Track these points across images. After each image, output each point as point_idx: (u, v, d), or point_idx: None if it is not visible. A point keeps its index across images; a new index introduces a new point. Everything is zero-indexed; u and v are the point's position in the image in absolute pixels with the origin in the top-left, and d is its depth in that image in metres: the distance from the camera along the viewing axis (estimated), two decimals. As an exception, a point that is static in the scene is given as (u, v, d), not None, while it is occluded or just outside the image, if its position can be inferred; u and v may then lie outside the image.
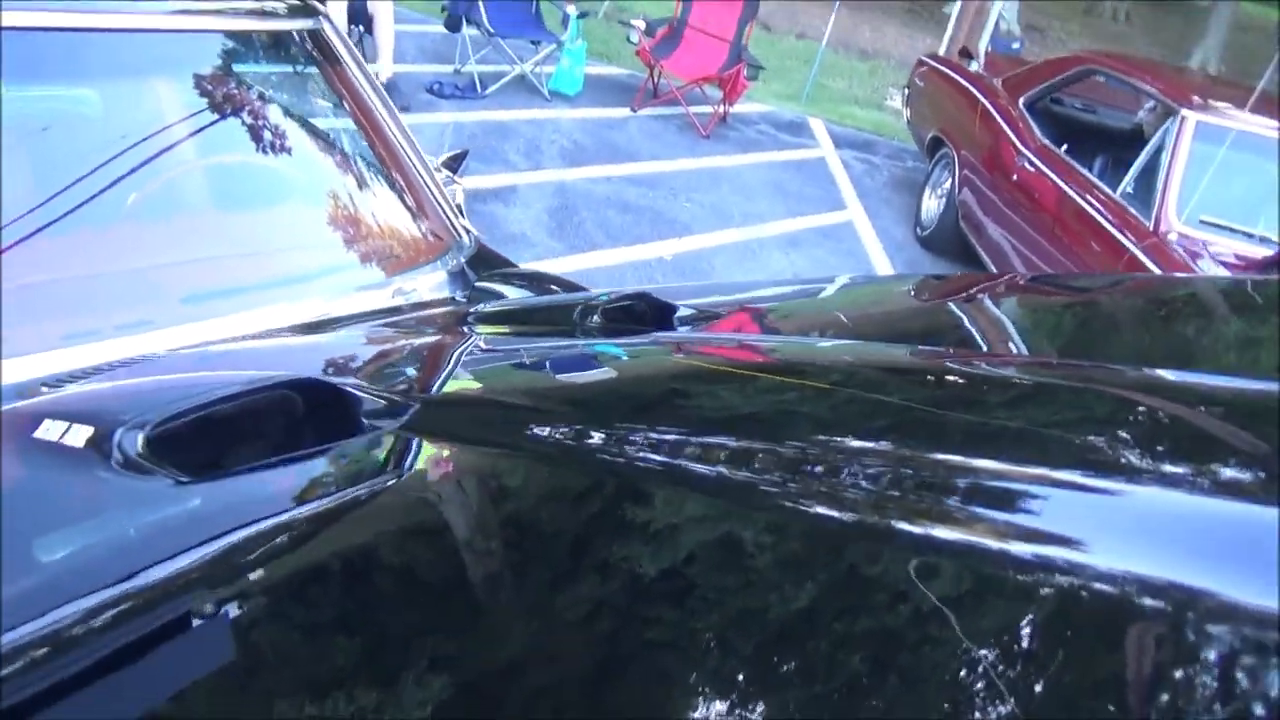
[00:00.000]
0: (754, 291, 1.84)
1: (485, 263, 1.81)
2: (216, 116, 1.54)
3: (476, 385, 0.86)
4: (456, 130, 5.04)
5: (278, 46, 1.64)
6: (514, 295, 1.51)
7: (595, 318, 0.95)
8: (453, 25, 5.75)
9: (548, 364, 0.89)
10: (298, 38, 1.65)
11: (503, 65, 5.87)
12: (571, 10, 5.95)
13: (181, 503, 0.53)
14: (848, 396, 0.62)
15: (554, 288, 1.61)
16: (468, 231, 1.84)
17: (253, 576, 0.47)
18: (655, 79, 6.32)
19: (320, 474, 0.59)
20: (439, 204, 1.80)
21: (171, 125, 1.50)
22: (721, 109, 6.30)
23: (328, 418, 0.62)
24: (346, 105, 1.73)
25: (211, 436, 0.58)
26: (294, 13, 1.58)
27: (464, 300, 1.53)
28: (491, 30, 5.61)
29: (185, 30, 1.46)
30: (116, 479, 0.55)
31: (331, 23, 1.70)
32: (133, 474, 0.54)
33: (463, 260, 1.72)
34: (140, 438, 0.55)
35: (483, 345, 1.07)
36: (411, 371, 1.02)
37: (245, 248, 1.49)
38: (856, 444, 0.51)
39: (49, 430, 0.60)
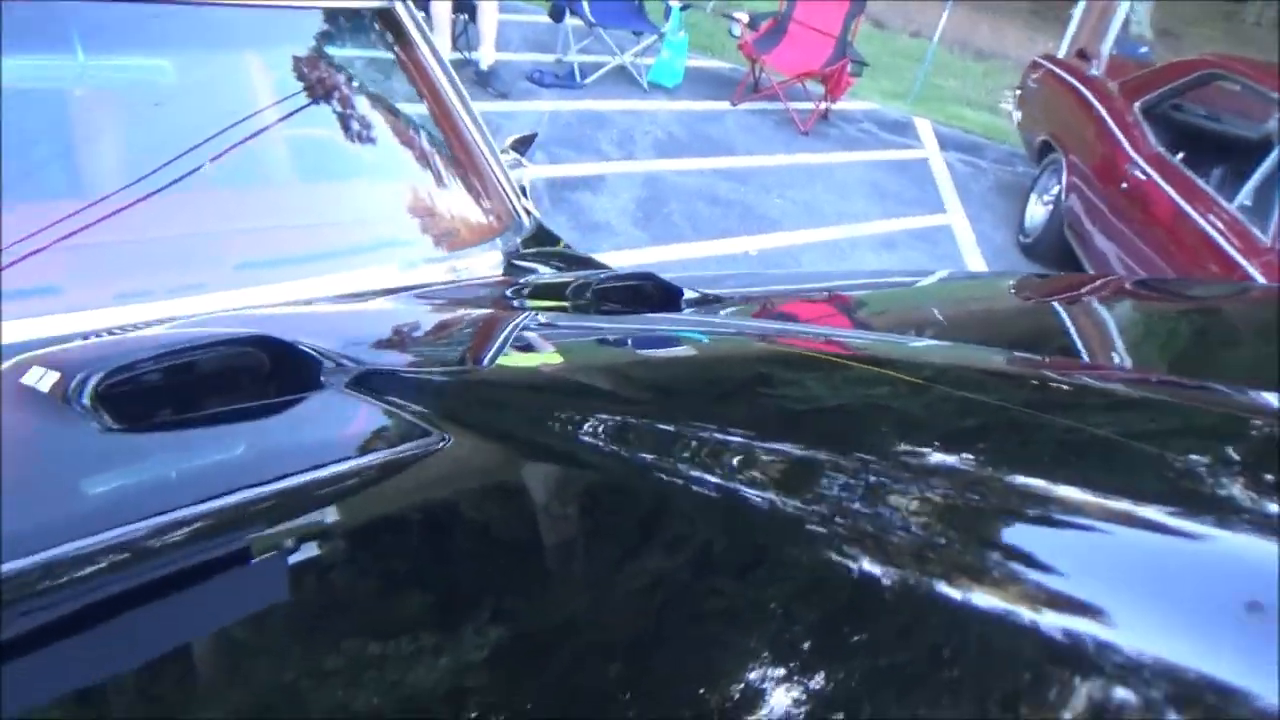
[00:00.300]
0: (844, 280, 1.76)
1: (543, 245, 1.82)
2: (284, 91, 1.58)
3: (531, 363, 0.84)
4: (553, 119, 5.08)
5: (348, 24, 1.68)
6: (546, 272, 1.51)
7: (591, 295, 0.93)
8: (557, 15, 5.80)
9: (625, 343, 0.85)
10: (368, 16, 1.68)
11: (604, 56, 5.89)
12: (675, 2, 5.93)
13: (99, 450, 0.54)
14: (929, 403, 0.58)
15: (594, 270, 1.60)
16: (528, 213, 1.85)
17: (155, 526, 0.47)
18: (757, 73, 6.25)
19: (253, 430, 0.60)
20: (501, 185, 1.81)
21: (240, 98, 1.54)
22: (823, 106, 6.19)
23: (292, 378, 0.62)
24: (415, 85, 1.75)
25: (174, 391, 0.59)
26: (365, -9, 1.61)
27: (503, 278, 1.53)
28: (593, 21, 5.64)
29: (258, 5, 1.51)
30: (54, 425, 0.56)
31: (405, 2, 1.73)
32: (69, 421, 0.55)
33: (519, 241, 1.73)
34: (89, 386, 0.56)
35: (541, 320, 1.05)
36: (460, 344, 1.01)
37: (300, 219, 1.53)
38: (929, 459, 0.47)
39: (31, 377, 0.62)
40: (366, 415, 0.59)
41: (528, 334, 0.84)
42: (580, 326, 0.90)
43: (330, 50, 1.67)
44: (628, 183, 4.57)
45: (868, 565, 0.38)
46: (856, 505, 0.42)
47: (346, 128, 1.66)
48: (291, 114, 1.56)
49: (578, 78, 5.68)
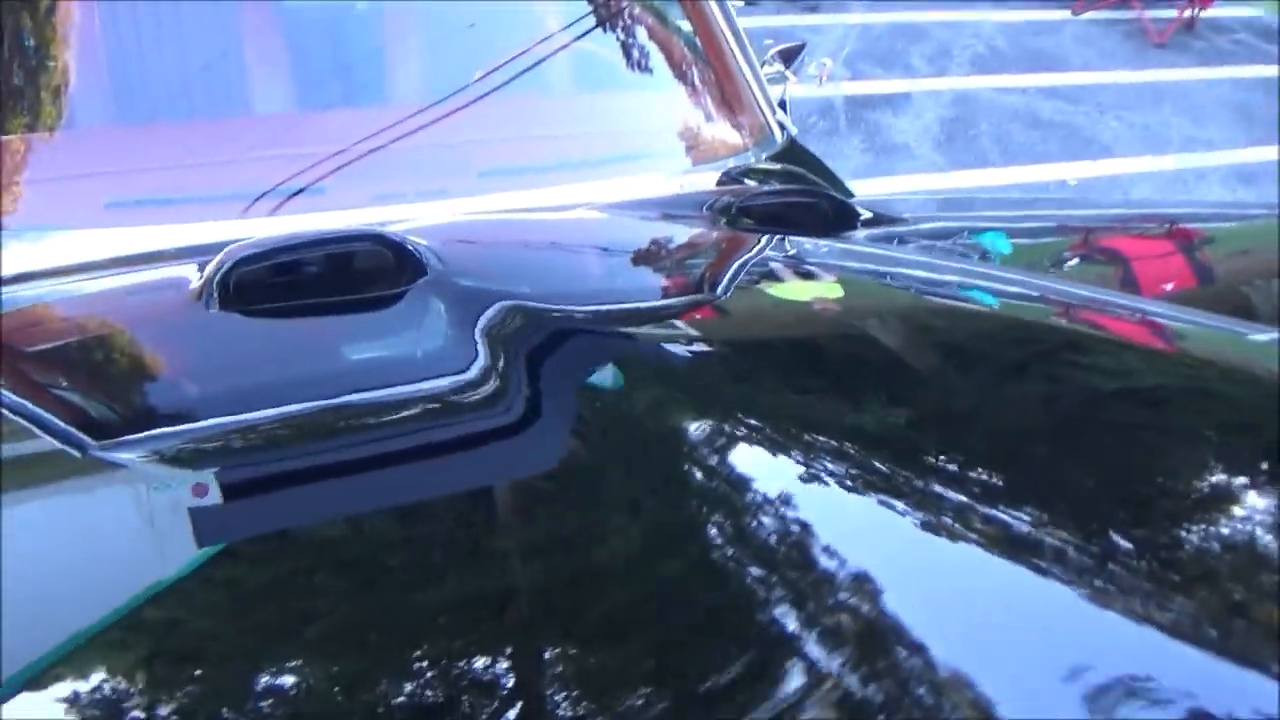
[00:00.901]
0: (1182, 209, 1.50)
1: (794, 162, 1.73)
2: (539, 3, 1.61)
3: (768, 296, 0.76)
4: (863, 32, 4.82)
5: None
6: (754, 188, 1.42)
7: (736, 211, 0.85)
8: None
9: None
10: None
11: (928, -38, 5.46)
12: (1015, -102, 5.34)
13: (217, 333, 0.59)
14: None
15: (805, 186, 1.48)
16: (782, 128, 1.77)
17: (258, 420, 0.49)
18: (1108, -23, 5.50)
19: (354, 322, 0.62)
20: (757, 98, 1.74)
21: (500, 9, 1.60)
22: (1188, 13, 5.33)
23: (401, 275, 0.64)
24: (672, -7, 1.72)
25: (292, 281, 0.63)
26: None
27: (711, 191, 1.47)
28: (918, -77, 5.23)
29: None
30: (189, 311, 0.62)
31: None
32: (200, 307, 0.60)
33: (765, 157, 1.66)
34: (220, 273, 0.61)
35: (789, 250, 0.95)
36: (699, 264, 0.97)
37: (544, 130, 1.56)
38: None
39: (199, 270, 0.68)
40: (435, 319, 0.58)
41: (663, 256, 0.79)
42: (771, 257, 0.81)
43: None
44: (934, 101, 4.24)
45: None
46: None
47: (599, 39, 1.66)
48: (536, 23, 1.59)
49: (896, -13, 5.32)
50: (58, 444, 0.49)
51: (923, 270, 0.76)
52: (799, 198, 0.88)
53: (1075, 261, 1.04)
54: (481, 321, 0.55)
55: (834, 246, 0.81)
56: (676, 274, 0.75)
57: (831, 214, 0.87)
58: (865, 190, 3.50)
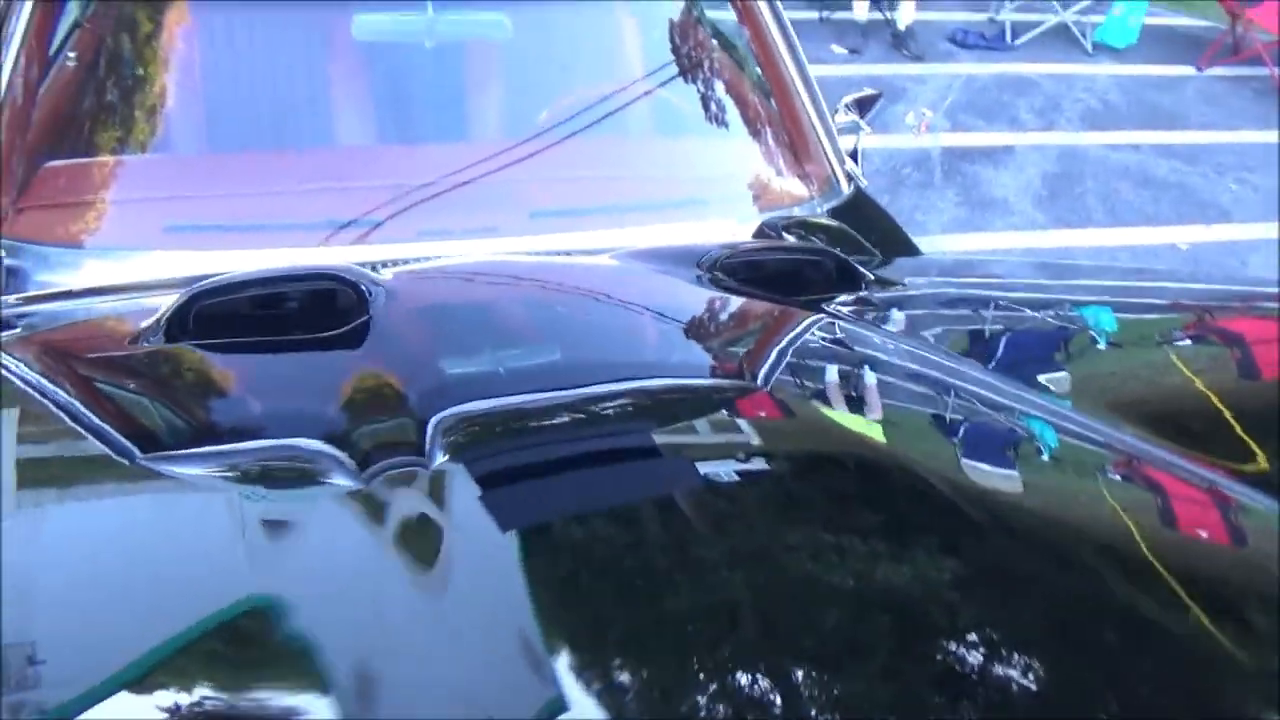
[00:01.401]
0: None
1: (862, 215, 1.67)
2: (605, 45, 1.61)
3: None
4: (967, 83, 4.71)
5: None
6: (790, 242, 1.37)
7: (720, 269, 0.80)
8: (993, -31, 5.34)
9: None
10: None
11: (1045, 15, 5.31)
12: (1137, -51, 5.16)
13: (174, 363, 0.59)
14: None
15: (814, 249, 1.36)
16: (850, 179, 1.71)
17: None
18: (1238, 32, 5.24)
19: (301, 359, 0.61)
20: (824, 148, 1.69)
21: (565, 51, 1.60)
22: (1325, 71, 5.03)
23: (356, 312, 0.62)
24: (744, 39, 1.70)
25: (252, 315, 0.62)
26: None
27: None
28: (1034, -27, 5.11)
29: None
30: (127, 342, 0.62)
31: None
32: (141, 339, 0.60)
33: (826, 209, 1.61)
34: (176, 308, 0.61)
35: (843, 332, 0.81)
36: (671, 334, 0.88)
37: (598, 173, 1.55)
38: None
39: (177, 303, 0.68)
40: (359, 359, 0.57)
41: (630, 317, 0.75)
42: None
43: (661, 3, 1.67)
44: (1039, 156, 4.09)
45: None
46: None
47: (664, 85, 1.64)
48: (605, 65, 1.59)
49: (1008, 38, 5.19)
50: (106, 451, 0.49)
51: (979, 388, 0.67)
52: (802, 255, 0.83)
53: (1187, 342, 0.96)
54: (402, 370, 0.53)
55: (858, 334, 0.73)
56: (635, 342, 0.72)
57: (834, 276, 0.81)
58: (956, 246, 3.39)
